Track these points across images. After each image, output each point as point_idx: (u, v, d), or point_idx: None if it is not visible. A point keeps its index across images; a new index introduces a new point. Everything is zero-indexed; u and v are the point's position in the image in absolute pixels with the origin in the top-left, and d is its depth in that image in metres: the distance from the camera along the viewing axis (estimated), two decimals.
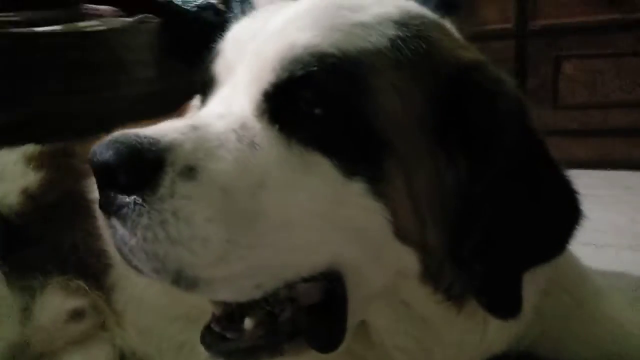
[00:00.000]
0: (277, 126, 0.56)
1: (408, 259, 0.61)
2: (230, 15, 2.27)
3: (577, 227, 0.64)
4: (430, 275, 0.62)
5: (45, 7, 2.12)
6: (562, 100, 2.65)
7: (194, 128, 0.54)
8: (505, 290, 0.60)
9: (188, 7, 2.32)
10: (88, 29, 2.07)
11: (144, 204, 0.49)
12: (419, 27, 0.62)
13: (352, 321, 0.63)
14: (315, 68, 0.55)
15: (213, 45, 0.63)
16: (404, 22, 0.62)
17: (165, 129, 0.54)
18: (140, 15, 2.12)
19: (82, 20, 2.14)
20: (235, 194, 0.52)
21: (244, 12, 0.68)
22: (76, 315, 0.90)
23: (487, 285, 0.59)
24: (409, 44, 0.59)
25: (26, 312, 0.88)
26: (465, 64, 0.63)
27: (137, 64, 2.05)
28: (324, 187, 0.55)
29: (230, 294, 0.54)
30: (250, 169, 0.53)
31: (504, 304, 0.61)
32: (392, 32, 0.59)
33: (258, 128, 0.56)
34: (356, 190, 0.56)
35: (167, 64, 2.09)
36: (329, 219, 0.56)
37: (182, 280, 0.50)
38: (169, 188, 0.50)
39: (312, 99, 0.55)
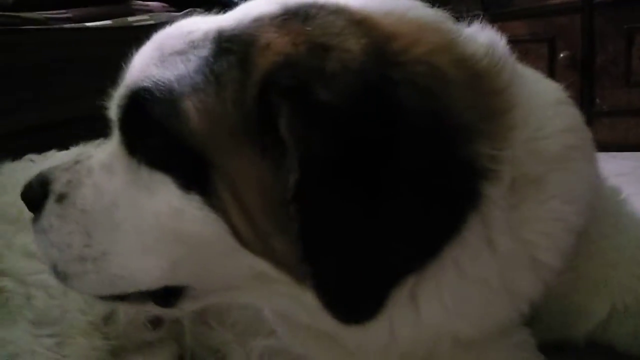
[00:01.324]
0: (128, 152, 0.66)
1: (262, 265, 0.63)
2: None
3: (445, 238, 0.59)
4: (297, 277, 0.63)
5: (96, 3, 2.17)
6: (636, 77, 2.46)
7: (76, 162, 0.71)
8: (345, 295, 0.59)
9: (236, 0, 2.31)
10: (137, 24, 2.09)
11: (38, 220, 0.70)
12: (243, 38, 0.62)
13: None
14: (135, 101, 0.64)
15: None
16: (226, 38, 0.62)
17: (57, 165, 0.73)
18: (189, 9, 2.14)
19: (132, 15, 2.17)
20: (92, 213, 0.67)
21: None
22: (155, 322, 0.96)
23: (318, 288, 0.59)
24: (221, 60, 0.61)
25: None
26: (270, 67, 0.60)
27: None
28: (166, 203, 0.63)
29: (94, 289, 0.70)
30: (105, 192, 0.67)
31: (344, 309, 0.60)
32: (204, 53, 0.62)
33: (118, 156, 0.67)
34: (194, 204, 0.61)
35: None
36: (173, 232, 0.64)
37: (57, 273, 0.69)
38: (49, 210, 0.69)
39: (143, 128, 0.63)
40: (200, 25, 0.66)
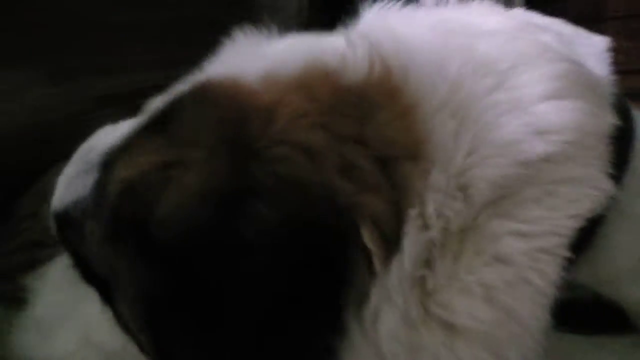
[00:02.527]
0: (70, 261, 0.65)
1: None
2: None
3: None
4: None
5: None
6: None
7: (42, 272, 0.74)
8: None
9: None
10: None
11: None
12: (110, 159, 0.57)
13: None
14: (57, 222, 0.63)
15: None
16: (105, 160, 0.57)
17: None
18: None
19: None
20: (42, 321, 0.71)
21: None
22: None
23: None
24: (99, 186, 0.57)
25: None
26: (113, 198, 0.54)
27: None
28: (95, 317, 0.65)
29: None
30: (54, 304, 0.71)
31: None
32: (95, 176, 0.58)
33: (65, 264, 0.67)
34: (110, 319, 0.60)
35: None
36: (96, 344, 0.67)
37: None
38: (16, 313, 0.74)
39: (65, 242, 0.63)
40: (105, 139, 0.61)
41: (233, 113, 0.52)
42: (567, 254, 0.46)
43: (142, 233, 0.50)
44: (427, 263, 0.47)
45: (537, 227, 0.47)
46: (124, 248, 0.52)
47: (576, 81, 0.52)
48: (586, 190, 0.48)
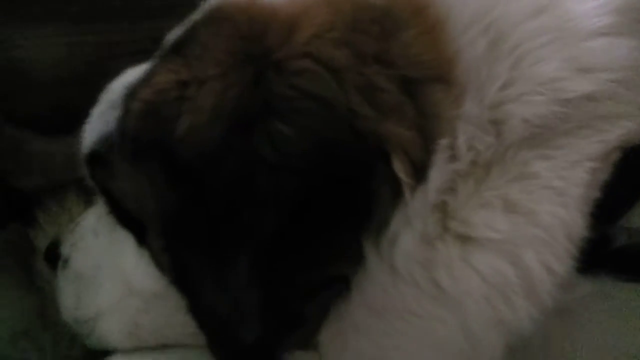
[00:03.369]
0: (105, 207, 0.65)
1: None
2: None
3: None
4: None
5: None
6: None
7: (76, 224, 0.72)
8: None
9: None
10: None
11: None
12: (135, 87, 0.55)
13: None
14: (87, 165, 0.63)
15: None
16: (130, 95, 0.55)
17: (68, 229, 0.74)
18: None
19: None
20: (83, 276, 0.68)
21: None
22: None
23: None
24: (122, 117, 0.55)
25: None
26: (133, 121, 0.53)
27: None
28: (129, 260, 0.62)
29: (96, 347, 0.69)
30: (92, 255, 0.68)
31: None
32: (119, 112, 0.56)
33: (101, 217, 0.66)
34: (146, 261, 0.60)
35: None
36: (133, 289, 0.63)
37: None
38: (59, 273, 0.71)
39: (101, 191, 0.63)
40: (128, 78, 0.60)
41: (250, 26, 0.50)
42: (594, 177, 0.45)
43: (162, 152, 0.49)
44: (450, 190, 0.45)
45: (565, 151, 0.46)
46: (146, 169, 0.51)
47: (636, 18, 0.48)
48: (622, 122, 0.46)
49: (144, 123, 0.51)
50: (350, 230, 0.46)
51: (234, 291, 0.46)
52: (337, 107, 0.45)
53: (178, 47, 0.53)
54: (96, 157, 0.60)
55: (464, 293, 0.46)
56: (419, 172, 0.45)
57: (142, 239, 0.60)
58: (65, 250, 0.71)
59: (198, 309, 0.51)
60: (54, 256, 0.72)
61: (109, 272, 0.66)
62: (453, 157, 0.45)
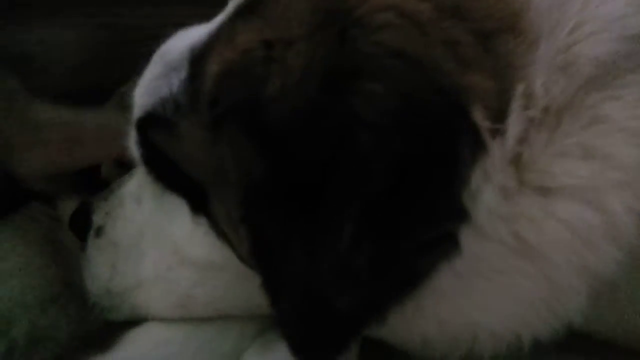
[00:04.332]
0: (152, 179, 0.63)
1: None
2: None
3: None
4: None
5: None
6: None
7: (111, 191, 0.71)
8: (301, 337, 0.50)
9: None
10: None
11: (83, 251, 0.71)
12: (206, 46, 0.54)
13: None
14: (141, 128, 0.61)
15: None
16: (199, 56, 0.55)
17: (98, 196, 0.72)
18: None
19: None
20: (121, 245, 0.67)
21: None
22: None
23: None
24: (192, 80, 0.55)
25: None
26: (213, 81, 0.52)
27: None
28: (182, 228, 0.62)
29: (125, 318, 0.68)
30: (133, 223, 0.67)
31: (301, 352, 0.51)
32: (184, 74, 0.56)
33: (144, 184, 0.66)
34: (203, 230, 0.60)
35: None
36: (188, 259, 0.62)
37: (95, 306, 0.69)
38: (90, 242, 0.70)
39: (154, 155, 0.61)
40: (184, 40, 0.59)
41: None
42: None
43: (249, 115, 0.48)
44: (525, 141, 0.46)
45: (633, 89, 0.47)
46: (226, 134, 0.50)
47: None
48: None
49: (225, 85, 0.50)
50: (446, 186, 0.45)
51: (337, 257, 0.45)
52: (423, 63, 0.45)
53: (253, 7, 0.52)
54: (154, 121, 0.58)
55: (548, 244, 0.47)
56: (498, 123, 0.46)
57: (199, 207, 0.59)
58: (98, 218, 0.69)
59: (279, 282, 0.49)
60: (81, 225, 0.71)
61: (154, 241, 0.64)
62: (528, 105, 0.46)
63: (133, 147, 0.63)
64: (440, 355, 0.57)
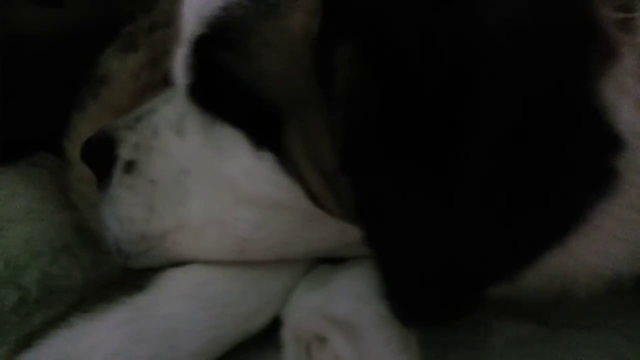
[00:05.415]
0: (200, 108, 0.56)
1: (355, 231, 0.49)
2: None
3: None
4: None
5: None
6: None
7: (137, 119, 0.62)
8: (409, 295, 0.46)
9: None
10: None
11: (105, 188, 0.61)
12: None
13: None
14: (201, 46, 0.53)
15: None
16: None
17: (118, 122, 0.63)
18: None
19: None
20: (161, 183, 0.59)
21: None
22: None
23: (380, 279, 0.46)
24: None
25: None
26: None
27: None
28: (239, 164, 0.54)
29: (154, 264, 0.61)
30: (175, 159, 0.59)
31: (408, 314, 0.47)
32: None
33: (188, 113, 0.58)
34: (266, 165, 0.52)
35: None
36: (246, 198, 0.55)
37: (118, 251, 0.61)
38: (117, 180, 0.60)
39: (213, 78, 0.53)
40: None
41: None
42: None
43: (365, 33, 0.42)
44: None
45: None
46: (337, 53, 0.43)
47: None
48: None
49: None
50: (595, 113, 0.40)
51: (467, 210, 0.40)
52: None
53: None
54: (219, 35, 0.51)
55: None
56: (629, 27, 0.42)
57: (264, 140, 0.52)
58: (125, 151, 0.60)
59: (393, 240, 0.44)
60: (99, 158, 0.61)
61: (203, 179, 0.57)
62: None
63: (181, 71, 0.55)
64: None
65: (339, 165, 0.45)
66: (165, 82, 0.66)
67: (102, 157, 0.61)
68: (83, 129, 0.75)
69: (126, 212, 0.60)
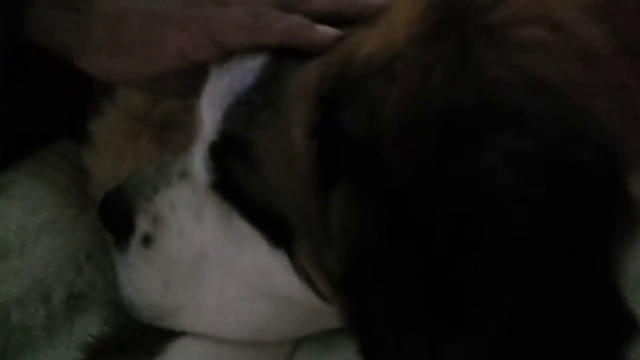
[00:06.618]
0: (220, 197, 0.56)
1: None
2: None
3: None
4: None
5: None
6: None
7: (154, 189, 0.61)
8: None
9: None
10: None
11: (121, 249, 0.62)
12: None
13: None
14: (215, 153, 0.54)
15: None
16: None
17: (136, 187, 0.62)
18: None
19: None
20: (178, 262, 0.60)
21: None
22: None
23: None
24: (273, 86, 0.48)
25: None
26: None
27: None
28: (254, 260, 0.56)
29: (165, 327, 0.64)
30: (193, 242, 0.59)
31: None
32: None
33: (207, 199, 0.57)
34: (282, 265, 0.54)
35: None
36: (260, 290, 0.58)
37: (132, 311, 0.63)
38: (135, 250, 0.61)
39: (224, 172, 0.54)
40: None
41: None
42: None
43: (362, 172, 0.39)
44: None
45: None
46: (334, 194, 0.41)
47: None
48: None
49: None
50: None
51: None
52: (581, 110, 0.33)
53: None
54: (233, 145, 0.51)
55: None
56: None
57: (279, 242, 0.53)
58: (143, 222, 0.61)
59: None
60: (117, 221, 0.63)
61: (219, 267, 0.59)
62: None
63: (200, 170, 0.55)
64: None
65: (336, 288, 0.46)
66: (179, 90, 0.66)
67: (120, 223, 0.62)
68: (100, 137, 0.75)
69: (143, 282, 0.62)
